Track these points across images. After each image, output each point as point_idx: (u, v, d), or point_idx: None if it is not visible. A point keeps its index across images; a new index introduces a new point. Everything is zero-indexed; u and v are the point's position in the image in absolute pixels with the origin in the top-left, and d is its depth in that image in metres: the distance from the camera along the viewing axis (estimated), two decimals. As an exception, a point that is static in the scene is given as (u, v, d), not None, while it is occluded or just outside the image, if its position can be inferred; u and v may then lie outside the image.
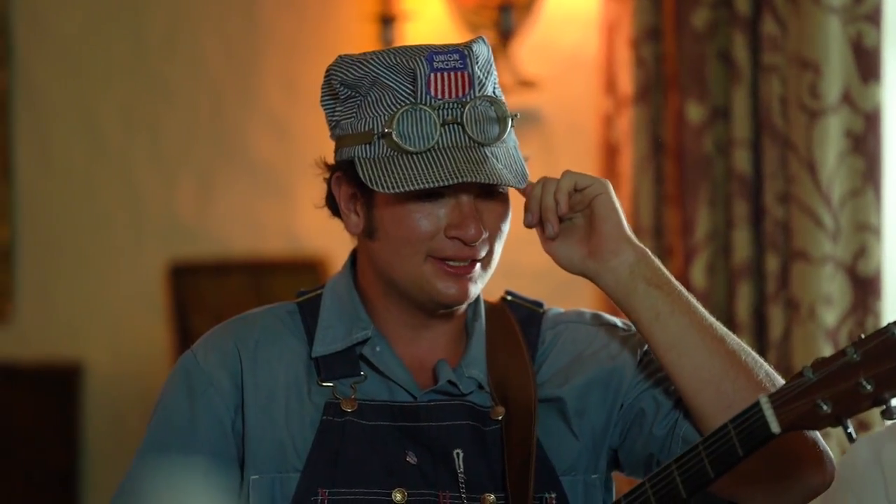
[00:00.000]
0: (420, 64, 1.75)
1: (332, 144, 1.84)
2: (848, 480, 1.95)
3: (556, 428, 1.84)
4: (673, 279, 1.79)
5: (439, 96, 1.76)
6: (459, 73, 1.77)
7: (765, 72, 3.04)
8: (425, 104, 1.75)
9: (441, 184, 1.72)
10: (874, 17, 2.92)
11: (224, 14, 4.08)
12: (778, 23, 3.02)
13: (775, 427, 1.55)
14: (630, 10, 3.35)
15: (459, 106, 1.76)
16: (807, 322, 2.94)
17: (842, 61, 2.92)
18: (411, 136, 1.75)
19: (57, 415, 4.14)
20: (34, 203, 4.24)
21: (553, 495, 1.81)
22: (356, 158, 1.77)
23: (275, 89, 4.02)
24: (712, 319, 1.77)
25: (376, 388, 1.83)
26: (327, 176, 1.85)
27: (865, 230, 2.94)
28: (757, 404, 1.56)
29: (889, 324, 1.52)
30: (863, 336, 1.54)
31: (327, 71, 1.82)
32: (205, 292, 4.00)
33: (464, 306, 1.85)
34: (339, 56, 1.82)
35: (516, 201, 1.84)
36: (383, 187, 1.74)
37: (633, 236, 1.79)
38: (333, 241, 3.42)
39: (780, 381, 1.71)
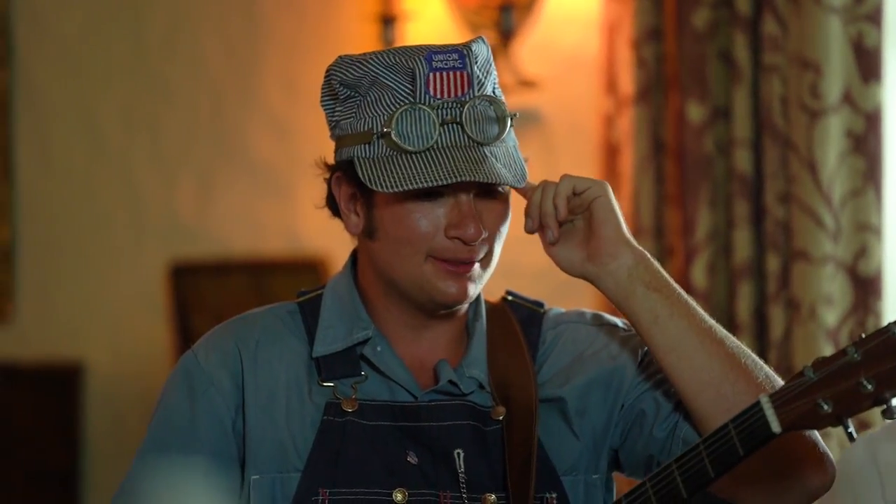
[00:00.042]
0: (419, 63, 1.75)
1: (332, 144, 1.85)
2: (844, 481, 1.95)
3: (557, 428, 1.84)
4: (672, 282, 1.79)
5: (438, 96, 1.76)
6: (458, 73, 1.77)
7: (765, 72, 3.04)
8: (424, 104, 1.75)
9: (439, 183, 1.72)
10: (875, 17, 2.92)
11: (224, 14, 4.08)
12: (779, 23, 3.02)
13: (776, 427, 1.55)
14: (631, 11, 3.35)
15: (458, 105, 1.76)
16: (807, 322, 2.94)
17: (842, 61, 2.92)
18: (410, 136, 1.75)
19: (57, 415, 4.14)
20: (34, 203, 4.24)
21: (554, 495, 1.81)
22: (355, 158, 1.77)
23: (275, 89, 4.02)
24: (712, 322, 1.77)
25: (377, 388, 1.83)
26: (327, 176, 1.85)
27: (866, 230, 2.94)
28: (757, 404, 1.56)
29: (890, 323, 1.52)
30: (863, 336, 1.54)
31: (327, 71, 1.82)
32: (205, 292, 4.00)
33: (464, 306, 1.85)
34: (339, 56, 1.82)
35: (517, 202, 1.84)
36: (382, 187, 1.74)
37: (631, 239, 1.79)
38: (334, 241, 3.42)
39: (780, 382, 1.71)
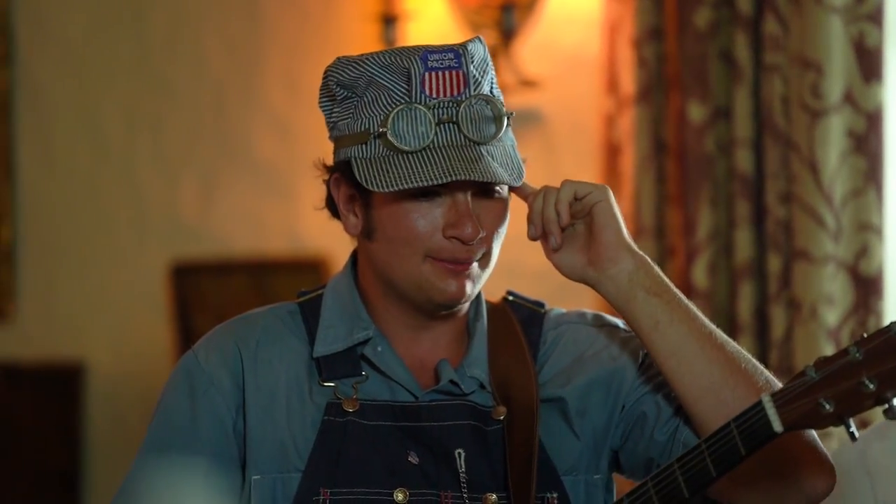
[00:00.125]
0: (414, 63, 1.76)
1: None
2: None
3: (558, 428, 1.84)
4: (672, 287, 1.78)
5: (434, 95, 1.76)
6: (454, 72, 1.77)
7: (766, 71, 3.04)
8: (420, 103, 1.75)
9: (435, 182, 1.72)
10: (876, 17, 2.92)
11: (226, 14, 4.08)
12: (780, 22, 3.02)
13: (777, 426, 1.55)
14: (632, 10, 3.35)
15: (454, 105, 1.76)
16: (808, 322, 2.94)
17: (843, 61, 2.92)
18: (406, 136, 1.75)
19: (58, 414, 4.14)
20: (36, 203, 4.24)
21: (555, 495, 1.81)
22: (352, 159, 1.78)
23: (277, 89, 4.02)
24: (712, 327, 1.77)
25: (378, 388, 1.83)
26: (326, 177, 1.86)
27: (867, 230, 2.94)
28: (759, 403, 1.56)
29: (891, 323, 1.52)
30: (865, 335, 1.54)
31: (325, 72, 1.82)
32: (207, 292, 4.00)
33: (464, 307, 1.85)
34: (337, 57, 1.82)
35: (517, 202, 1.84)
36: (378, 186, 1.74)
37: (632, 244, 1.79)
38: (335, 241, 3.42)
39: (780, 386, 1.71)
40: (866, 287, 2.94)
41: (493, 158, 1.75)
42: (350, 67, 1.79)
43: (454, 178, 1.72)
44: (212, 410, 1.82)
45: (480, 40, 1.83)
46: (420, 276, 1.78)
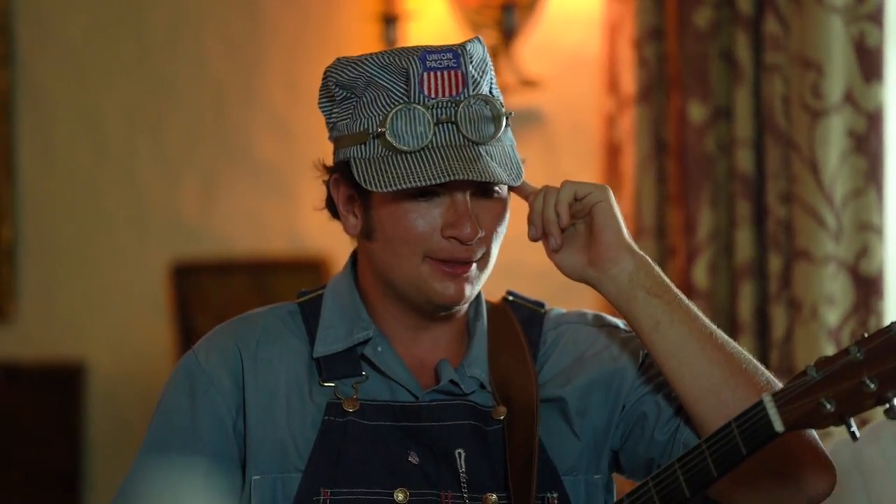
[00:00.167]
0: (413, 63, 1.76)
1: (334, 144, 1.85)
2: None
3: (558, 428, 1.84)
4: (673, 287, 1.78)
5: (433, 95, 1.76)
6: (453, 72, 1.77)
7: (767, 71, 3.04)
8: (419, 103, 1.75)
9: (432, 182, 1.72)
10: (876, 17, 2.92)
11: (227, 14, 4.09)
12: (780, 22, 3.02)
13: (779, 426, 1.55)
14: (632, 10, 3.35)
15: (453, 105, 1.76)
16: (809, 322, 2.94)
17: (844, 61, 2.92)
18: (405, 136, 1.75)
19: (59, 414, 4.14)
20: (37, 203, 4.24)
21: (555, 495, 1.81)
22: (351, 159, 1.78)
23: (278, 89, 4.02)
24: (713, 327, 1.77)
25: (378, 388, 1.83)
26: (326, 178, 1.86)
27: (868, 230, 2.94)
28: (760, 403, 1.56)
29: (892, 323, 1.52)
30: (866, 335, 1.54)
31: (325, 73, 1.83)
32: (207, 292, 4.00)
33: (464, 307, 1.85)
34: (337, 58, 1.82)
35: (518, 203, 1.84)
36: (376, 186, 1.74)
37: (633, 244, 1.79)
38: (336, 241, 3.41)
39: (781, 387, 1.71)
40: (867, 287, 2.94)
41: (491, 158, 1.75)
42: (349, 68, 1.79)
43: (452, 178, 1.72)
44: (212, 410, 1.82)
45: (480, 41, 1.83)
46: (419, 277, 1.78)
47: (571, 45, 3.70)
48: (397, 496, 1.77)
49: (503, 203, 1.81)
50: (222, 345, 1.86)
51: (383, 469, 1.78)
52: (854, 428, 1.53)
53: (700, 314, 1.77)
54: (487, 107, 1.78)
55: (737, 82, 3.12)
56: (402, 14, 3.79)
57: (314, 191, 1.92)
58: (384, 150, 1.75)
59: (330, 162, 1.85)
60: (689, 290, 3.13)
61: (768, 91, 3.04)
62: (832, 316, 2.93)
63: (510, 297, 1.95)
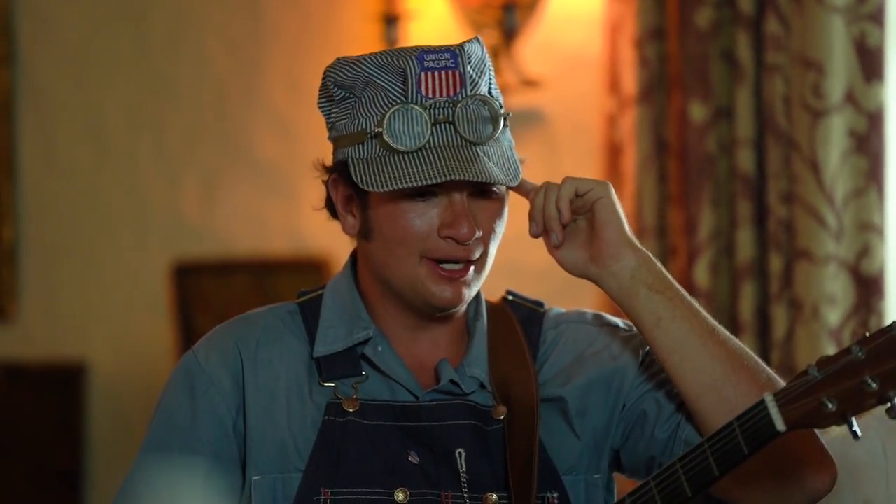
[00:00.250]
0: (411, 63, 1.76)
1: (335, 145, 1.85)
2: (848, 467, 1.95)
3: (558, 427, 1.84)
4: (675, 283, 1.78)
5: (430, 95, 1.76)
6: (451, 73, 1.77)
7: (768, 71, 3.04)
8: (416, 103, 1.75)
9: (429, 182, 1.72)
10: (877, 17, 2.92)
11: (228, 14, 4.08)
12: (781, 22, 3.02)
13: (780, 425, 1.55)
14: (633, 10, 3.35)
15: (451, 105, 1.76)
16: (810, 322, 2.94)
17: (845, 61, 2.92)
18: (402, 136, 1.75)
19: (61, 414, 4.14)
20: (38, 203, 4.24)
21: (555, 495, 1.81)
22: (349, 159, 1.78)
23: (279, 89, 4.02)
24: (714, 324, 1.77)
25: (378, 388, 1.83)
26: (326, 178, 1.86)
27: (869, 230, 2.94)
28: (762, 402, 1.56)
29: (893, 322, 1.52)
30: (867, 334, 1.54)
31: (324, 73, 1.83)
32: (208, 292, 4.00)
33: (462, 308, 1.85)
34: (336, 58, 1.82)
35: (517, 202, 1.84)
36: (374, 186, 1.74)
37: (634, 240, 1.79)
38: (337, 241, 3.41)
39: (782, 384, 1.70)
40: (868, 287, 2.94)
41: (489, 158, 1.75)
42: (348, 68, 1.80)
43: (449, 178, 1.72)
44: (212, 410, 1.82)
45: (479, 41, 1.83)
46: (416, 278, 1.78)
47: (572, 45, 3.70)
48: (397, 496, 1.77)
49: (501, 203, 1.81)
50: (222, 345, 1.86)
51: (383, 469, 1.78)
52: (856, 427, 1.53)
53: (702, 310, 1.78)
54: (485, 107, 1.78)
55: (738, 82, 3.12)
56: (404, 14, 3.79)
57: (315, 191, 1.92)
58: (382, 150, 1.76)
59: (330, 162, 1.85)
60: (690, 289, 3.12)
61: (769, 91, 3.04)
62: (833, 316, 2.93)
63: (510, 297, 1.95)
